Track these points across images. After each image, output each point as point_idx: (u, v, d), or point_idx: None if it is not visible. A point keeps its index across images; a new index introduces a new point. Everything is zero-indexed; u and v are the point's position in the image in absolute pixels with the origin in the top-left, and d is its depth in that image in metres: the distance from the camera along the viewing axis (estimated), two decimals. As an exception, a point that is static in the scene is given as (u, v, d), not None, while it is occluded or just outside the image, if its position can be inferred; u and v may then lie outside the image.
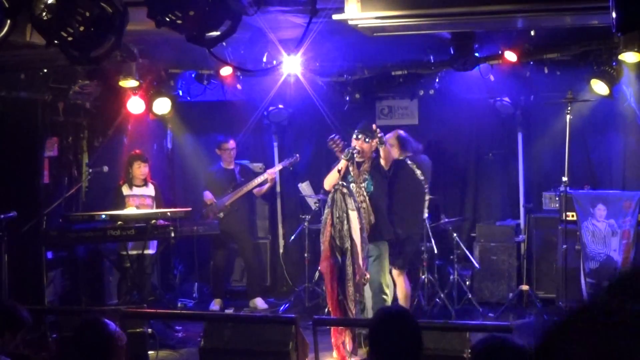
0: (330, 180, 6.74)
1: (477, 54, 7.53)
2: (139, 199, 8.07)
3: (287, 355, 5.56)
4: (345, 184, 6.40)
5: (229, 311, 8.43)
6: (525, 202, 8.98)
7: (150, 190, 8.18)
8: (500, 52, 7.54)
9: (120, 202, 7.98)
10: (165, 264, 9.28)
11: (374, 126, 6.78)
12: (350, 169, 6.78)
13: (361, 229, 6.32)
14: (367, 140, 6.77)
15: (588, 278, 7.93)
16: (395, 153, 7.41)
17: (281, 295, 9.05)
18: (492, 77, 8.11)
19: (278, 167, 9.03)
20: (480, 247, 8.68)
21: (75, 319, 5.97)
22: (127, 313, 5.76)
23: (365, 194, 6.78)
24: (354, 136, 6.83)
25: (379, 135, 6.75)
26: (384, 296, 6.72)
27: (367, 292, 6.80)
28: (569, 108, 6.83)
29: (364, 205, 6.71)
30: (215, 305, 8.65)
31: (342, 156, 6.68)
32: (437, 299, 8.21)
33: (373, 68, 8.37)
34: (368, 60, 8.26)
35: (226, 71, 8.01)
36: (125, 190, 8.07)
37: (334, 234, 6.26)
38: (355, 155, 6.69)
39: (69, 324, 6.02)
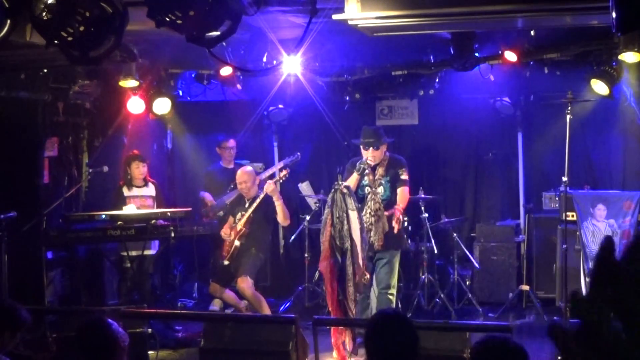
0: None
1: (477, 54, 7.52)
2: (140, 200, 8.06)
3: (287, 355, 5.56)
4: (345, 183, 6.39)
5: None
6: (525, 202, 8.98)
7: (150, 190, 8.17)
8: (500, 52, 7.54)
9: (120, 203, 7.97)
10: (165, 264, 9.27)
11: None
12: (366, 173, 6.80)
13: (361, 229, 6.31)
14: (376, 147, 6.82)
15: (588, 278, 7.92)
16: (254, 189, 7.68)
17: (281, 295, 9.04)
18: (492, 77, 8.11)
19: (277, 166, 9.01)
20: (480, 247, 8.68)
21: (75, 319, 5.99)
22: (127, 313, 5.76)
23: (380, 201, 6.77)
24: (362, 147, 6.85)
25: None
26: (390, 296, 6.73)
27: (373, 292, 6.82)
28: (569, 108, 6.82)
29: (379, 213, 6.71)
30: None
31: (355, 171, 6.70)
32: (437, 299, 8.22)
33: (373, 68, 8.36)
34: (368, 60, 8.25)
35: (226, 71, 8.01)
36: (126, 191, 8.06)
37: (334, 234, 6.26)
38: (366, 168, 6.72)
39: (69, 324, 6.03)
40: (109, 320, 3.80)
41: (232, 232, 7.63)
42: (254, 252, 7.58)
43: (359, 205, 6.43)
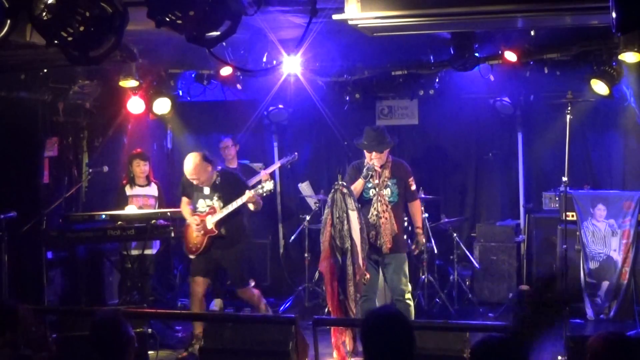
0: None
1: (477, 54, 7.52)
2: (142, 199, 8.07)
3: (287, 355, 5.56)
4: (344, 183, 6.38)
5: (229, 311, 8.43)
6: (525, 202, 8.99)
7: (153, 189, 8.17)
8: (500, 52, 7.54)
9: (123, 202, 7.98)
10: (165, 264, 9.27)
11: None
12: (371, 175, 6.63)
13: (361, 229, 6.30)
14: (380, 150, 6.61)
15: (588, 278, 7.94)
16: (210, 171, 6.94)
17: (281, 295, 9.05)
18: (492, 77, 8.11)
19: (275, 165, 9.03)
20: (480, 247, 8.68)
21: (76, 319, 5.99)
22: (127, 313, 5.76)
23: (387, 202, 6.62)
24: (366, 150, 6.67)
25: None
26: (408, 301, 6.61)
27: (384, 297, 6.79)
28: (569, 108, 6.82)
29: (385, 215, 6.57)
30: (215, 305, 8.65)
31: (361, 177, 6.56)
32: (437, 299, 8.22)
33: (373, 68, 8.36)
34: (368, 60, 8.25)
35: (226, 71, 8.01)
36: (128, 190, 8.07)
37: (334, 234, 6.25)
38: (371, 173, 6.59)
39: (69, 324, 6.03)
40: (123, 319, 3.81)
41: (202, 227, 6.95)
42: (238, 245, 7.05)
43: (359, 205, 6.42)
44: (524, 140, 9.07)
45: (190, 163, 6.86)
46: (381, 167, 6.68)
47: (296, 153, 8.88)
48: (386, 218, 6.58)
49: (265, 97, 8.65)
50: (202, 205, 7.02)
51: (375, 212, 6.60)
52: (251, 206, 6.96)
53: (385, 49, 7.68)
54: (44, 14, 4.12)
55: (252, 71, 7.90)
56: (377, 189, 6.64)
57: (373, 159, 6.61)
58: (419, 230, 6.86)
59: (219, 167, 7.11)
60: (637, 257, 7.79)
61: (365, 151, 6.70)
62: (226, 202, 6.91)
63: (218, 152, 9.02)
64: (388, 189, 6.68)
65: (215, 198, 6.96)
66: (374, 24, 5.38)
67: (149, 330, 6.39)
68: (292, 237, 9.11)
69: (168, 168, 10.04)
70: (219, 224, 6.94)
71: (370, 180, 6.64)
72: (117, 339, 3.70)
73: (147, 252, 7.83)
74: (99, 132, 8.87)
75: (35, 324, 4.50)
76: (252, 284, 7.47)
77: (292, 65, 7.63)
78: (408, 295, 6.64)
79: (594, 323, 7.81)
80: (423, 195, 8.15)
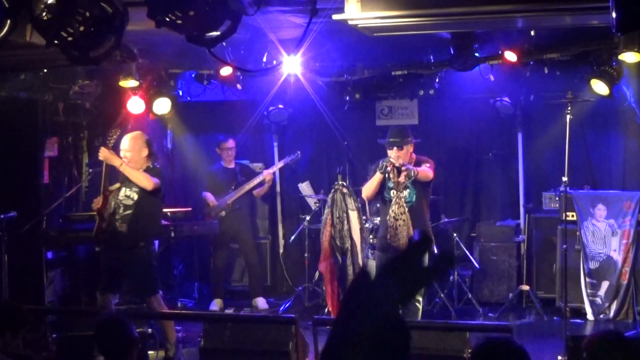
0: (368, 190, 6.59)
1: (477, 54, 7.51)
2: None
3: (287, 355, 5.56)
4: (345, 183, 6.38)
5: (229, 311, 8.43)
6: (525, 202, 8.98)
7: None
8: (500, 52, 7.53)
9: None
10: (165, 264, 9.27)
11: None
12: (391, 176, 6.50)
13: (361, 229, 6.31)
14: (400, 147, 6.51)
15: (588, 278, 7.94)
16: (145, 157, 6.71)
17: (281, 295, 9.05)
18: (492, 77, 8.11)
19: (279, 164, 9.04)
20: (480, 247, 8.68)
21: (75, 319, 6.00)
22: (128, 313, 5.77)
23: (405, 204, 6.50)
24: (387, 147, 6.59)
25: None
26: (417, 304, 6.51)
27: None
28: (569, 108, 6.83)
29: (403, 217, 6.45)
30: (215, 305, 8.65)
31: (377, 169, 6.50)
32: (437, 299, 8.22)
33: (373, 68, 8.36)
34: (368, 60, 8.25)
35: (226, 71, 8.00)
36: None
37: (334, 234, 6.26)
38: (386, 164, 6.46)
39: (68, 324, 6.04)
40: (127, 319, 3.82)
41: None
42: (138, 249, 6.56)
43: (360, 205, 6.41)
44: (524, 140, 9.06)
45: (129, 135, 6.75)
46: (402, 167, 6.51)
47: (299, 152, 8.89)
48: (404, 220, 6.46)
49: (265, 97, 8.64)
50: (122, 192, 6.71)
51: (392, 215, 6.49)
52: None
53: (385, 49, 7.67)
54: (44, 14, 4.12)
55: (252, 71, 7.90)
56: (397, 190, 6.52)
57: (392, 156, 6.50)
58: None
59: (158, 165, 6.83)
60: (637, 257, 7.80)
61: (387, 149, 6.61)
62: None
63: (216, 152, 9.03)
64: (407, 190, 6.56)
65: (134, 190, 6.65)
66: (374, 24, 5.38)
67: (149, 330, 6.39)
68: (292, 237, 9.11)
69: (168, 168, 10.02)
70: (124, 219, 6.60)
71: (391, 180, 6.53)
72: (121, 339, 3.70)
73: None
74: (99, 132, 8.86)
75: (32, 325, 4.50)
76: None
77: (292, 65, 7.63)
78: (418, 298, 6.55)
79: (594, 323, 7.82)
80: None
